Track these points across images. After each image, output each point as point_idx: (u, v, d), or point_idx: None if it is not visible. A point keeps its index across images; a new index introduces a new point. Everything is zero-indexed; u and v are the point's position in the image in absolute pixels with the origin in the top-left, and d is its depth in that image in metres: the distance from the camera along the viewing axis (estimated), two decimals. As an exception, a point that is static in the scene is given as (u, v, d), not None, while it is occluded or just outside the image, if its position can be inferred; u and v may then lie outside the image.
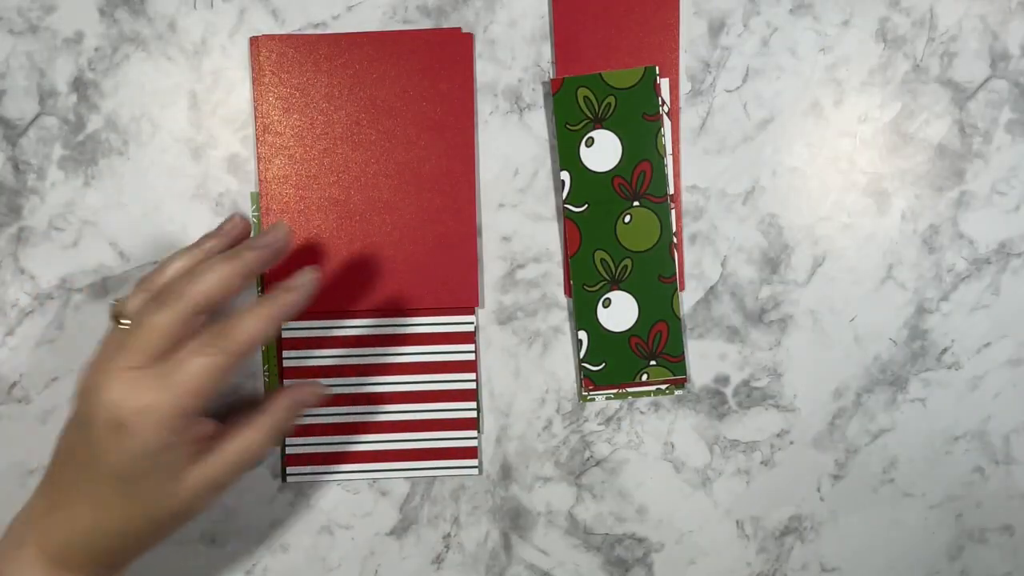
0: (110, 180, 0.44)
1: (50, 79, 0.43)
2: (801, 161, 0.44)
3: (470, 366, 0.44)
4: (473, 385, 0.45)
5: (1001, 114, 0.44)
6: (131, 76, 0.43)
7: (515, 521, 0.46)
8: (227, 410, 0.39)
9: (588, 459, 0.45)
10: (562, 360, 0.45)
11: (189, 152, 0.44)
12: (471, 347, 0.44)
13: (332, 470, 0.44)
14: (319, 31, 0.43)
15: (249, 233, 0.41)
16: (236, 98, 0.44)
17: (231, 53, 0.43)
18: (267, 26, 0.43)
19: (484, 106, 0.44)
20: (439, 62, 0.43)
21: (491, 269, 0.45)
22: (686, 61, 0.44)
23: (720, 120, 0.44)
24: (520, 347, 0.45)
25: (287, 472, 0.44)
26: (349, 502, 0.45)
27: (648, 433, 0.45)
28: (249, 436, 0.37)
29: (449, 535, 0.45)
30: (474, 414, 0.45)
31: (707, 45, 0.44)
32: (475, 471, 0.45)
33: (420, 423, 0.44)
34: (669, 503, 0.45)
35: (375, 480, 0.45)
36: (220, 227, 0.40)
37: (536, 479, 0.45)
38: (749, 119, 0.44)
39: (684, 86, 0.44)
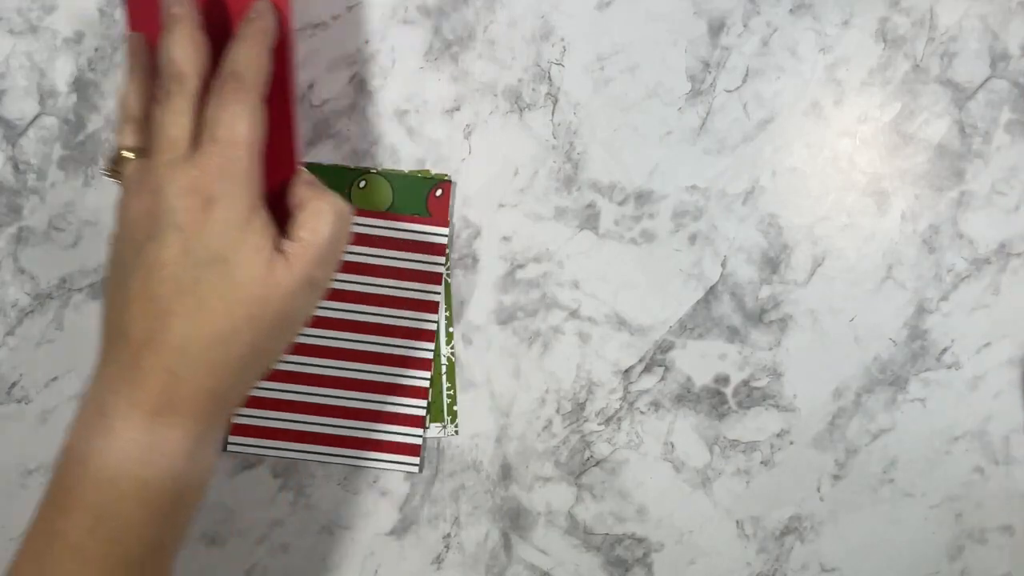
0: (110, 180, 0.44)
1: (50, 79, 0.43)
2: (801, 161, 0.44)
3: (426, 364, 0.45)
4: (427, 384, 0.45)
5: (1001, 114, 0.44)
6: (131, 76, 0.43)
7: (515, 521, 0.46)
8: None
9: (588, 459, 0.45)
10: (562, 360, 0.45)
11: (189, 152, 0.44)
12: (430, 345, 0.44)
13: (273, 445, 0.44)
14: (319, 31, 0.43)
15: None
16: (236, 98, 0.43)
17: (231, 53, 0.43)
18: (267, 26, 0.43)
19: (484, 106, 0.44)
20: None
21: (491, 269, 0.45)
22: (686, 61, 0.44)
23: (720, 120, 0.44)
24: (520, 347, 0.45)
25: (228, 441, 0.44)
26: (349, 502, 0.45)
27: (648, 433, 0.45)
28: (317, 215, 0.34)
29: (449, 535, 0.45)
30: (423, 412, 0.45)
31: (707, 45, 0.44)
32: (416, 468, 0.45)
33: (367, 412, 0.45)
34: (669, 503, 0.45)
35: (322, 463, 0.45)
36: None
37: (536, 479, 0.45)
38: (749, 119, 0.44)
39: (684, 86, 0.44)
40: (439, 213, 0.44)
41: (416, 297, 0.44)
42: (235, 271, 0.32)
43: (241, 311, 0.32)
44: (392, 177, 0.44)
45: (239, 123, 0.33)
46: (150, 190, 0.32)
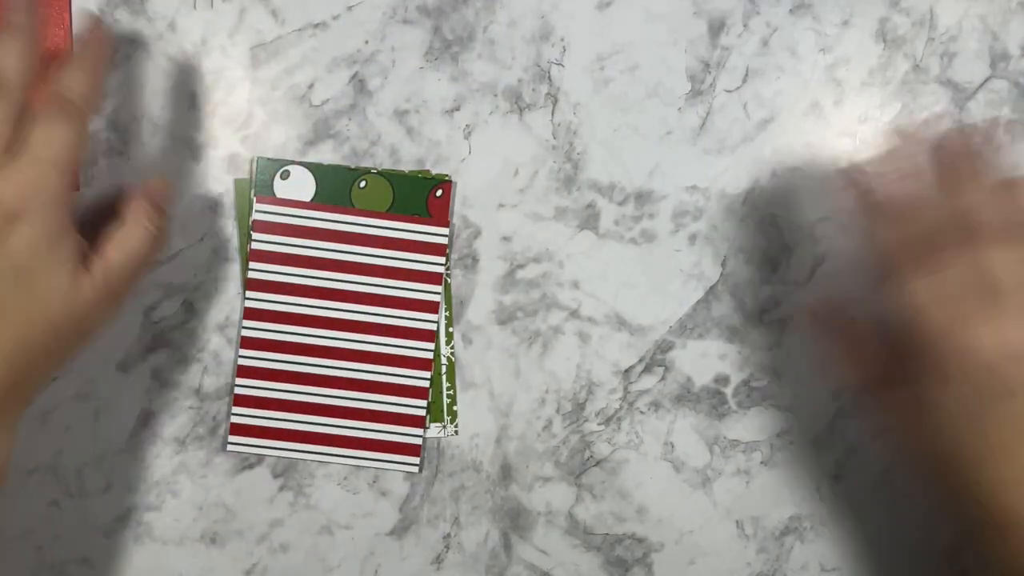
0: (110, 180, 0.44)
1: (50, 79, 0.43)
2: (801, 161, 0.44)
3: (426, 364, 0.45)
4: (427, 384, 0.45)
5: (1001, 114, 0.44)
6: (131, 76, 0.43)
7: (515, 521, 0.46)
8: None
9: (588, 459, 0.45)
10: (562, 360, 0.45)
11: (189, 152, 0.44)
12: (430, 345, 0.44)
13: (273, 445, 0.45)
14: (319, 31, 0.43)
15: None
16: (236, 98, 0.44)
17: (231, 53, 0.43)
18: (267, 26, 0.43)
19: (484, 106, 0.44)
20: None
21: (491, 269, 0.45)
22: (686, 61, 0.44)
23: (720, 120, 0.44)
24: (520, 347, 0.45)
25: (228, 441, 0.44)
26: (349, 502, 0.45)
27: (648, 433, 0.45)
28: (129, 234, 0.37)
29: (449, 535, 0.45)
30: (423, 412, 0.45)
31: (707, 45, 0.44)
32: (415, 468, 0.45)
33: (367, 412, 0.45)
34: (669, 503, 0.45)
35: (322, 463, 0.45)
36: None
37: (536, 479, 0.45)
38: (749, 119, 0.44)
39: (684, 86, 0.44)
40: (439, 213, 0.44)
41: (416, 297, 0.44)
42: (38, 285, 0.34)
43: (43, 321, 0.34)
44: (392, 177, 0.44)
45: (59, 144, 0.34)
46: None
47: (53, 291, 0.34)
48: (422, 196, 0.44)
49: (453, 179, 0.44)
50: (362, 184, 0.44)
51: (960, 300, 0.33)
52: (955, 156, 0.36)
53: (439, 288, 0.44)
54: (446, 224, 0.44)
